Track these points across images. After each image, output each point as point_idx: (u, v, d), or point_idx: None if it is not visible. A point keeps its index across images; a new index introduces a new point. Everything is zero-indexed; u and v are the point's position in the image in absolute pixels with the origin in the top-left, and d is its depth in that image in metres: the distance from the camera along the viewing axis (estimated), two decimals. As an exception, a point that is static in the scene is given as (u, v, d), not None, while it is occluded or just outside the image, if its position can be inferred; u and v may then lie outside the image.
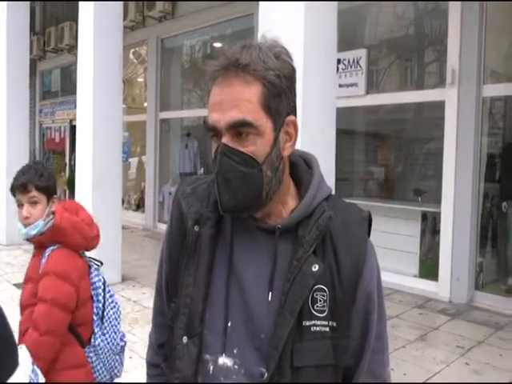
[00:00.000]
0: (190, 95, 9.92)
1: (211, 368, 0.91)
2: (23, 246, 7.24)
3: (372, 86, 6.33)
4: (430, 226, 5.81)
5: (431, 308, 4.89)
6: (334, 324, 0.89)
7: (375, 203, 6.24)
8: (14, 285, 5.36)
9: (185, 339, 0.93)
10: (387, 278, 5.41)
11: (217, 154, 0.88)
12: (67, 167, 12.03)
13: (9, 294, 5.08)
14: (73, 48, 10.35)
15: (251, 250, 0.94)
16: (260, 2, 3.45)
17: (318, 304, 0.89)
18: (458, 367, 3.55)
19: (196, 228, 0.95)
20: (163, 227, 9.09)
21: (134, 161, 10.55)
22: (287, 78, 0.89)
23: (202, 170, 9.29)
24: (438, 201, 5.38)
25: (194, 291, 0.93)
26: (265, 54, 0.87)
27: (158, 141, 9.29)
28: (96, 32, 5.39)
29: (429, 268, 5.55)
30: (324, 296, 0.89)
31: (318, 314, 0.88)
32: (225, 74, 0.87)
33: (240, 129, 0.86)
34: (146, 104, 9.58)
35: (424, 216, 5.78)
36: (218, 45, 9.00)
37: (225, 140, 0.87)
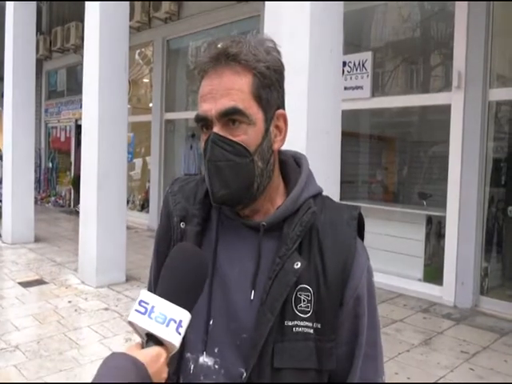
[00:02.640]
0: (195, 96, 9.87)
1: (192, 367, 0.90)
2: (28, 245, 7.27)
3: (377, 89, 6.32)
4: (435, 230, 5.79)
5: (435, 312, 4.87)
6: (319, 326, 0.86)
7: (380, 206, 6.23)
8: (19, 283, 5.39)
9: None
10: (391, 281, 5.41)
11: (207, 143, 0.87)
12: (72, 167, 12.07)
13: (14, 292, 5.10)
14: (79, 48, 10.39)
15: (236, 248, 0.92)
16: (266, 3, 3.45)
17: (302, 304, 0.86)
18: (462, 372, 3.53)
19: (182, 225, 0.94)
20: (167, 228, 9.09)
21: (138, 161, 10.57)
22: (276, 71, 0.89)
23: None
24: (443, 205, 5.36)
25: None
26: (255, 48, 0.86)
27: (163, 141, 9.31)
28: (102, 32, 5.41)
29: (433, 272, 5.53)
30: (308, 296, 0.87)
31: (301, 315, 0.86)
32: (215, 65, 0.86)
33: (231, 116, 0.85)
34: (151, 105, 9.61)
35: (429, 220, 5.76)
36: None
37: (216, 129, 0.86)
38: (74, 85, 11.49)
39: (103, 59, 5.41)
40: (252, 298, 0.88)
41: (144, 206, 10.00)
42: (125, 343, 3.86)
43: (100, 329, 4.16)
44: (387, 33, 6.66)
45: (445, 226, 5.32)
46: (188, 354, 0.91)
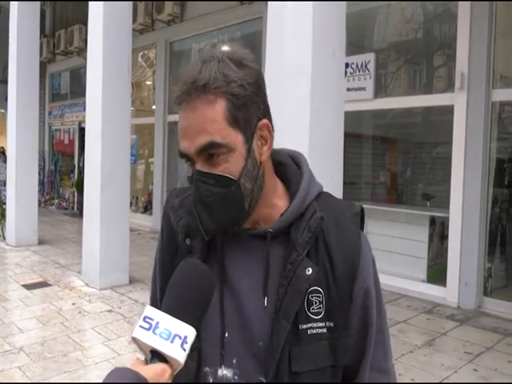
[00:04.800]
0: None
1: (211, 380, 0.90)
2: (32, 248, 7.30)
3: (380, 90, 6.32)
4: (439, 231, 5.78)
5: (439, 313, 4.86)
6: (331, 324, 0.88)
7: (383, 208, 6.22)
8: (23, 286, 5.40)
9: None
10: (395, 282, 5.40)
11: (192, 182, 0.87)
12: (76, 169, 12.11)
13: (18, 294, 5.12)
14: (82, 51, 10.44)
15: (243, 258, 0.92)
16: (269, 4, 3.46)
17: (314, 306, 0.87)
18: (466, 373, 3.52)
19: (187, 241, 0.93)
20: (170, 230, 9.10)
21: (142, 163, 10.60)
22: (251, 84, 0.86)
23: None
24: (446, 206, 5.35)
25: None
26: (224, 66, 0.84)
27: (166, 143, 9.32)
28: (105, 35, 5.44)
29: (437, 273, 5.52)
30: (319, 297, 0.87)
31: (314, 317, 0.87)
32: (188, 98, 0.85)
33: (210, 150, 0.84)
34: (154, 107, 9.63)
35: (432, 221, 5.75)
36: (226, 48, 9.03)
37: (198, 166, 0.86)
38: (78, 87, 11.53)
39: (106, 62, 5.44)
40: (265, 304, 0.88)
41: (147, 208, 10.02)
42: (128, 345, 3.86)
43: (104, 331, 4.17)
44: (390, 34, 6.66)
45: (448, 226, 5.30)
46: (206, 368, 0.90)
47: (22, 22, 7.50)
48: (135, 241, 7.51)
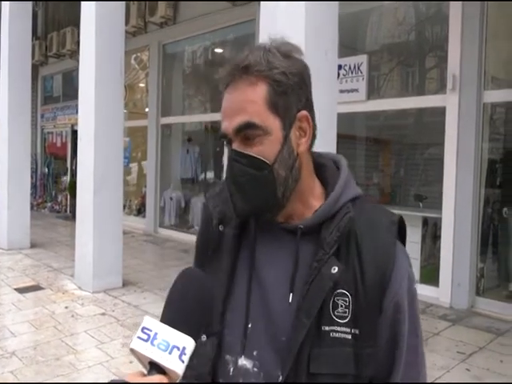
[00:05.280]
0: (192, 100, 9.94)
1: (231, 369, 0.90)
2: (24, 251, 7.26)
3: (373, 92, 6.35)
4: (431, 232, 5.81)
5: (432, 313, 4.88)
6: (357, 332, 0.85)
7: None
8: (16, 289, 5.37)
9: (203, 337, 0.90)
10: (388, 283, 5.40)
11: (228, 161, 0.90)
12: (68, 172, 12.06)
13: (10, 298, 5.08)
14: (75, 53, 10.41)
15: (274, 251, 0.92)
16: (261, 4, 3.48)
17: (339, 309, 0.85)
18: (458, 373, 3.54)
19: (220, 227, 0.95)
20: (164, 232, 9.09)
21: (135, 166, 10.57)
22: (294, 74, 0.88)
23: (203, 176, 9.31)
24: (438, 206, 5.38)
25: (215, 290, 0.90)
26: (270, 54, 0.87)
27: (159, 146, 9.31)
28: (98, 37, 5.42)
29: (430, 273, 5.55)
30: (346, 301, 0.85)
31: (339, 320, 0.85)
32: (232, 80, 0.87)
33: (246, 131, 0.86)
34: (147, 109, 9.62)
35: (425, 222, 5.77)
36: (219, 50, 9.04)
37: (234, 146, 0.88)
38: (70, 90, 11.49)
39: (99, 64, 5.42)
40: (290, 300, 0.87)
41: (140, 211, 9.99)
42: (122, 348, 3.85)
43: (97, 334, 4.15)
44: (382, 36, 6.70)
45: (441, 227, 5.33)
46: (227, 357, 0.91)
47: (14, 23, 7.47)
48: (128, 243, 7.49)
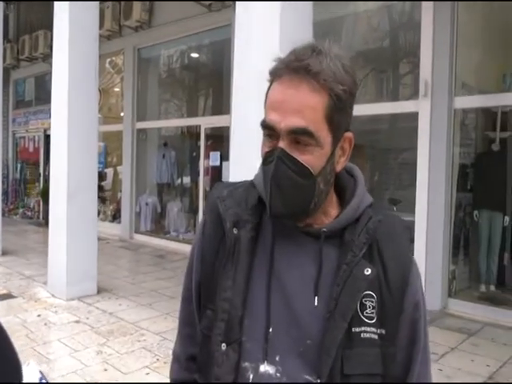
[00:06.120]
0: (168, 105, 9.89)
1: (251, 376, 0.88)
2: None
3: (348, 97, 6.41)
4: (405, 235, 5.89)
5: (407, 316, 4.94)
6: (383, 332, 0.87)
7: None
8: (-15, 298, 5.23)
9: (223, 346, 0.89)
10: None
11: (273, 157, 0.85)
12: (41, 177, 11.82)
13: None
14: (47, 57, 10.23)
15: (294, 255, 0.92)
16: (236, 3, 3.53)
17: (367, 310, 0.87)
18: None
19: (235, 231, 0.92)
20: (140, 238, 8.99)
21: (110, 171, 10.44)
22: (352, 94, 0.88)
23: (179, 181, 9.26)
24: (412, 210, 5.47)
25: (232, 296, 0.90)
26: (334, 65, 0.84)
27: (135, 151, 9.22)
28: (71, 41, 5.35)
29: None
30: (373, 302, 0.87)
31: (368, 321, 0.86)
32: (292, 76, 0.84)
33: (300, 137, 0.84)
34: (122, 114, 9.52)
35: (399, 225, 5.85)
36: (195, 55, 9.03)
37: (282, 145, 0.85)
38: (43, 94, 11.29)
39: (72, 68, 5.34)
40: (316, 303, 0.87)
41: (116, 217, 9.86)
42: (96, 356, 3.78)
43: (70, 342, 4.07)
44: (357, 42, 6.80)
45: (414, 230, 5.42)
46: (246, 364, 0.88)
47: (-16, 27, 7.31)
48: (103, 250, 7.38)
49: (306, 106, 0.83)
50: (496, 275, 5.46)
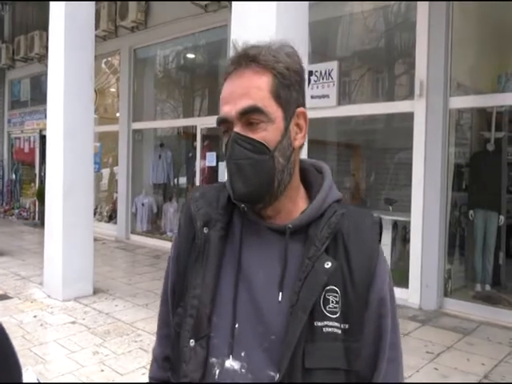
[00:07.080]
0: (164, 105, 9.89)
1: (217, 372, 0.89)
2: (-10, 259, 7.04)
3: (343, 98, 6.44)
4: (401, 235, 5.93)
5: (402, 315, 4.96)
6: (346, 326, 0.87)
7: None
8: (-19, 299, 5.21)
9: (192, 342, 0.90)
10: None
11: (228, 142, 0.89)
12: (37, 178, 11.78)
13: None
14: (43, 57, 10.21)
15: (261, 251, 0.93)
16: (233, 4, 3.53)
17: (330, 305, 0.87)
18: (427, 372, 3.61)
19: (205, 230, 0.94)
20: (136, 238, 8.98)
21: (106, 171, 10.42)
22: (296, 73, 0.92)
23: (175, 181, 9.25)
24: (408, 210, 5.49)
25: (201, 293, 0.91)
26: (275, 51, 0.90)
27: (131, 151, 9.21)
28: (67, 41, 5.33)
29: (399, 275, 5.64)
30: (336, 297, 0.87)
31: (330, 315, 0.87)
32: (237, 68, 0.90)
33: (251, 115, 0.87)
34: (118, 114, 9.51)
35: (395, 225, 5.88)
36: (191, 56, 9.03)
37: (236, 129, 0.88)
38: (39, 95, 11.26)
39: (68, 68, 5.33)
40: (280, 299, 0.88)
41: (112, 217, 9.84)
42: (92, 356, 3.78)
43: (67, 343, 4.07)
44: (353, 42, 6.82)
45: (410, 230, 5.45)
46: (213, 359, 0.90)
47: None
48: (99, 250, 7.37)
49: (251, 87, 0.88)
50: (491, 274, 5.49)
